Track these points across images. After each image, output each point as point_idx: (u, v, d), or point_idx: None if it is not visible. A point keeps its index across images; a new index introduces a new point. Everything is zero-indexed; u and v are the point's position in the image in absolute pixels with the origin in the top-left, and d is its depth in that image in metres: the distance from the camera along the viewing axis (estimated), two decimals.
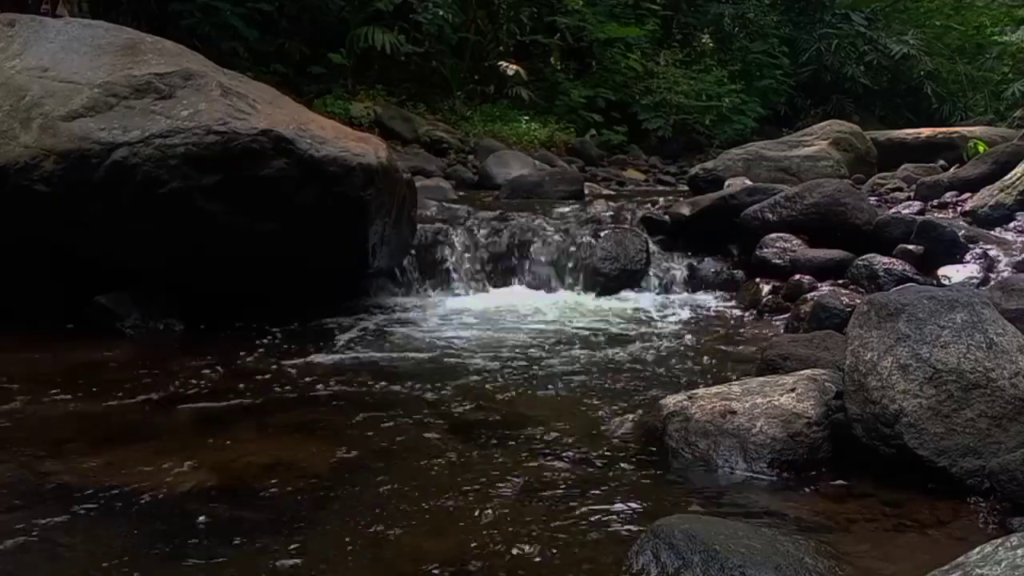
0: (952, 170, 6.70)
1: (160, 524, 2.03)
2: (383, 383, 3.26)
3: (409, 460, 2.49)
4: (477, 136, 11.61)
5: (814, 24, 17.49)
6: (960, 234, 4.67)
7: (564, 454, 2.52)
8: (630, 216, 5.81)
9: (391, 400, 3.04)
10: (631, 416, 2.83)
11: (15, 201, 3.82)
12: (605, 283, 5.13)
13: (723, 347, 3.91)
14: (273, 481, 2.29)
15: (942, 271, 4.39)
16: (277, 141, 3.89)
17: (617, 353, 3.76)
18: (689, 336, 4.12)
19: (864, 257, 4.44)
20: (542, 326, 4.32)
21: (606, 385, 3.26)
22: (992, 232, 4.97)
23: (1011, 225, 5.10)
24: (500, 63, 13.40)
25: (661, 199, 6.93)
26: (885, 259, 4.38)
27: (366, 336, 4.01)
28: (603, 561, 1.86)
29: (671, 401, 2.66)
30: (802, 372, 2.72)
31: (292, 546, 1.93)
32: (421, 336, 4.06)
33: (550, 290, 5.13)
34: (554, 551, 1.91)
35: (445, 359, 3.63)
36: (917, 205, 5.90)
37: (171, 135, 3.83)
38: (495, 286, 5.15)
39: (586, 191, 8.11)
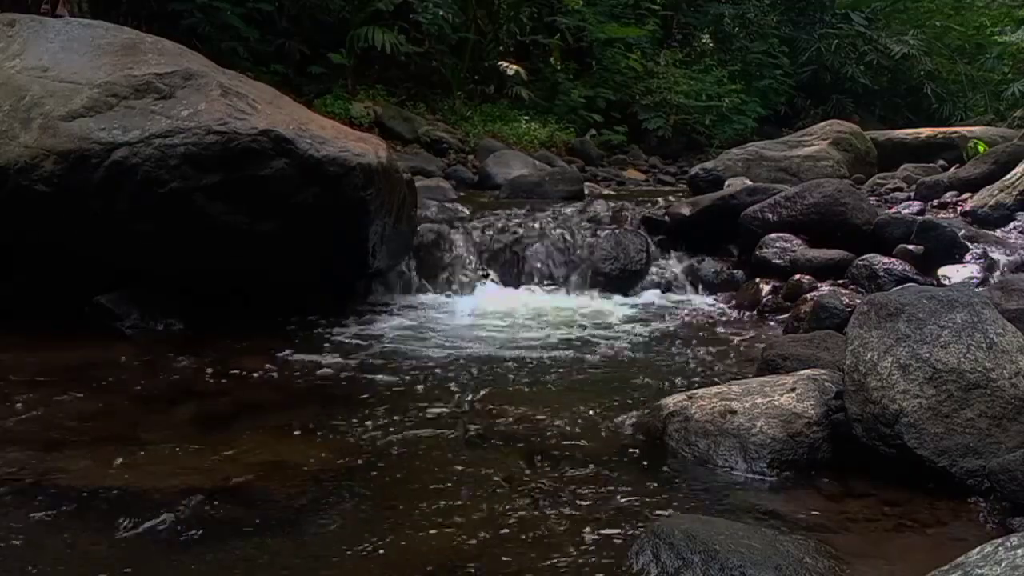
0: (952, 170, 6.70)
1: (159, 524, 2.03)
2: (382, 383, 3.26)
3: (409, 460, 2.49)
4: (477, 136, 11.59)
5: (814, 24, 17.47)
6: (960, 234, 4.67)
7: (564, 454, 2.52)
8: (630, 216, 5.81)
9: (391, 400, 3.04)
10: (631, 416, 2.82)
11: (15, 201, 3.82)
12: (605, 283, 5.13)
13: (723, 347, 3.91)
14: (273, 481, 2.29)
15: (942, 271, 4.39)
16: (277, 141, 3.89)
17: (617, 353, 3.76)
18: (689, 336, 4.12)
19: (864, 257, 4.44)
20: (541, 326, 4.32)
21: (606, 385, 3.26)
22: (992, 232, 4.97)
23: (1011, 225, 5.10)
24: (500, 63, 13.39)
25: (661, 199, 6.93)
26: (885, 259, 4.39)
27: (365, 336, 4.01)
28: (603, 561, 1.86)
29: (671, 401, 2.66)
30: (802, 372, 2.72)
31: (292, 546, 1.93)
32: (421, 336, 4.06)
33: (550, 290, 5.13)
34: (554, 551, 1.91)
35: (444, 359, 3.63)
36: (917, 205, 5.90)
37: (171, 135, 3.83)
38: (494, 286, 5.14)
39: (586, 191, 8.10)
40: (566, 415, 2.89)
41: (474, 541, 1.96)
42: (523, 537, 1.98)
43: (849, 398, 2.38)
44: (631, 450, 2.57)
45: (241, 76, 4.75)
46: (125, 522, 2.04)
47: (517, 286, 5.16)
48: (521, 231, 5.44)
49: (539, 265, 5.25)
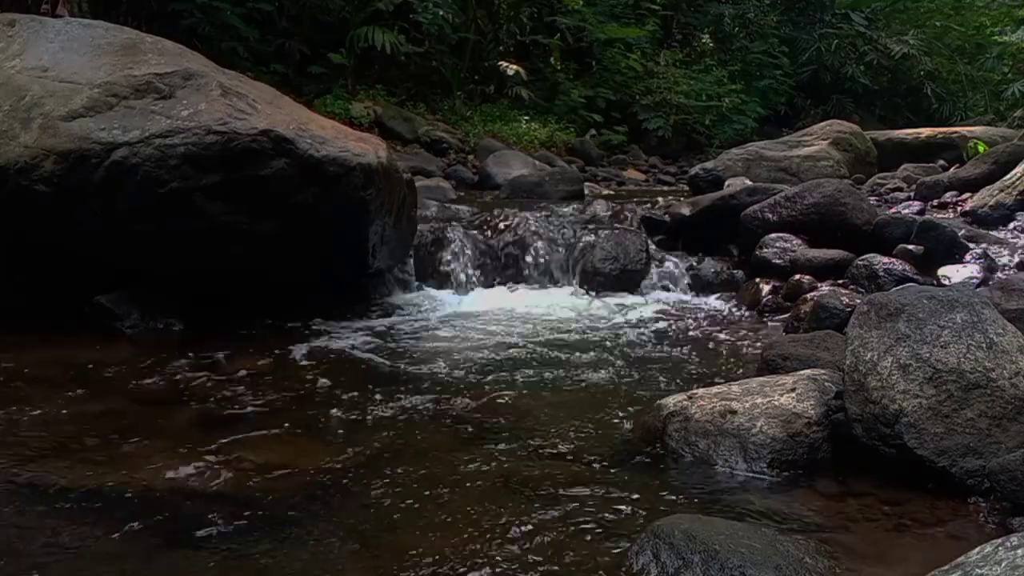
0: (952, 170, 6.71)
1: (160, 524, 2.03)
2: (382, 383, 3.26)
3: (408, 460, 2.48)
4: (477, 136, 11.59)
5: (814, 24, 17.48)
6: (960, 234, 4.67)
7: (564, 454, 2.52)
8: (630, 216, 5.81)
9: (390, 400, 3.04)
10: (631, 416, 2.83)
11: (15, 201, 3.82)
12: (605, 283, 5.13)
13: (723, 347, 3.91)
14: (273, 481, 2.29)
15: (942, 271, 4.39)
16: (277, 141, 3.89)
17: (617, 353, 3.76)
18: (689, 336, 4.13)
19: (864, 257, 4.44)
20: (541, 326, 4.32)
21: (606, 385, 3.26)
22: (992, 232, 4.98)
23: (1011, 225, 5.10)
24: (500, 63, 13.40)
25: (661, 199, 6.93)
26: (885, 259, 4.38)
27: (366, 336, 4.01)
28: (603, 561, 1.87)
29: (671, 401, 2.66)
30: (802, 372, 2.72)
31: (292, 546, 1.93)
32: (421, 336, 4.06)
33: (550, 290, 5.13)
34: (554, 551, 1.91)
35: (444, 359, 3.63)
36: (917, 205, 5.91)
37: (171, 135, 3.83)
38: (495, 286, 5.15)
39: (586, 191, 8.11)
40: (566, 415, 2.89)
41: (473, 541, 1.96)
42: (523, 537, 1.98)
43: (849, 398, 2.38)
44: (631, 450, 2.57)
45: (241, 76, 4.75)
46: (124, 522, 2.04)
47: (517, 286, 5.16)
48: (521, 231, 5.44)
49: (539, 265, 5.25)
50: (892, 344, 2.32)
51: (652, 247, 5.40)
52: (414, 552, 1.91)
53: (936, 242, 4.55)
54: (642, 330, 4.24)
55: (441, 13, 11.96)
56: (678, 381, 3.28)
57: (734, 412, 2.49)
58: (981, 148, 7.29)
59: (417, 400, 3.04)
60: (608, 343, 3.95)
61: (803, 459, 2.39)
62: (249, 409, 2.93)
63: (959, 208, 5.69)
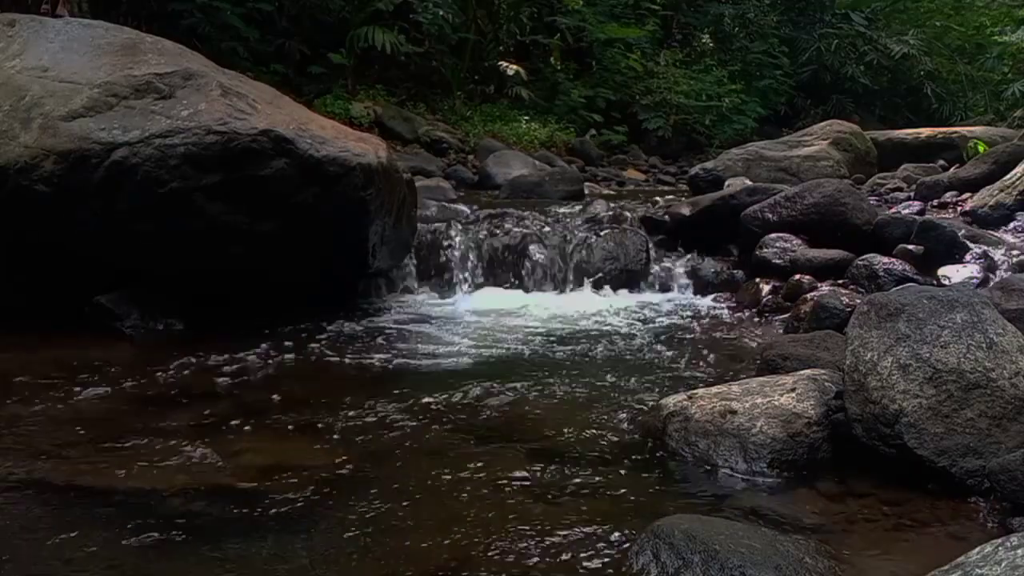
0: (952, 170, 6.71)
1: (159, 524, 2.03)
2: (382, 383, 3.27)
3: (409, 460, 2.49)
4: (477, 136, 11.59)
5: (814, 24, 17.47)
6: (960, 234, 4.67)
7: (564, 454, 2.52)
8: (630, 216, 5.81)
9: (390, 400, 3.04)
10: (631, 416, 2.83)
11: (15, 201, 3.82)
12: (605, 283, 5.12)
13: (723, 347, 3.91)
14: (273, 481, 2.29)
15: (942, 271, 4.39)
16: (277, 141, 3.89)
17: (617, 353, 3.76)
18: (689, 336, 4.13)
19: (864, 257, 4.44)
20: (541, 326, 4.32)
21: (606, 385, 3.26)
22: (992, 232, 4.97)
23: (1011, 225, 5.10)
24: (500, 63, 13.40)
25: (661, 199, 6.93)
26: (885, 259, 4.38)
27: (365, 336, 4.01)
28: (603, 561, 1.87)
29: (671, 401, 2.66)
30: (802, 372, 2.72)
31: (292, 546, 1.93)
32: (421, 336, 4.06)
33: (550, 290, 5.13)
34: (554, 551, 1.91)
35: (444, 359, 3.63)
36: (917, 205, 5.91)
37: (171, 135, 3.83)
38: (495, 286, 5.14)
39: (586, 191, 8.11)
40: (566, 415, 2.89)
41: (473, 541, 1.96)
42: (522, 537, 1.98)
43: (849, 398, 2.38)
44: (631, 450, 2.57)
45: (241, 76, 4.75)
46: (125, 522, 2.04)
47: (517, 286, 5.16)
48: (521, 231, 5.43)
49: (539, 265, 5.25)
50: (892, 344, 2.32)
51: (652, 247, 5.40)
52: (414, 552, 1.91)
53: (936, 242, 4.55)
54: (642, 330, 4.24)
55: (441, 13, 11.95)
56: (678, 381, 3.28)
57: (734, 412, 2.49)
58: (981, 148, 7.29)
59: (417, 400, 3.03)
60: (608, 343, 3.95)
61: (803, 459, 2.39)
62: (249, 409, 2.93)
63: (959, 208, 5.69)
